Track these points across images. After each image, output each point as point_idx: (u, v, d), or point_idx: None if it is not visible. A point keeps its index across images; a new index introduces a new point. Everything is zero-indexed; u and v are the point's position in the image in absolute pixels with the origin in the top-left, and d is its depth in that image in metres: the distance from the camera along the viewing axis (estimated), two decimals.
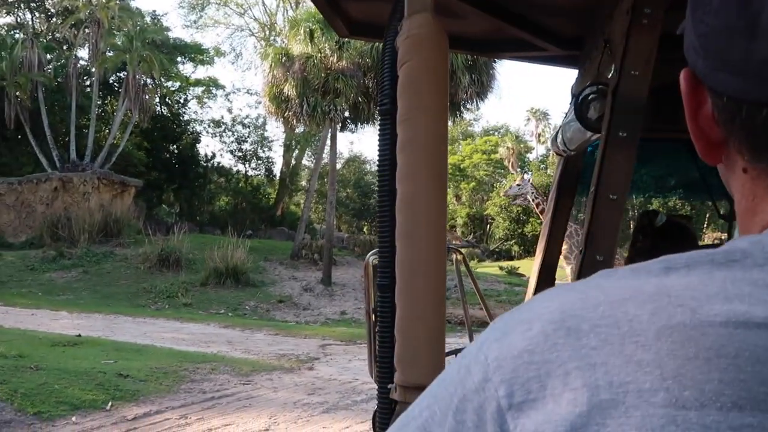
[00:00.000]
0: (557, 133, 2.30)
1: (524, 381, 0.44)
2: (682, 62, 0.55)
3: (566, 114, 2.29)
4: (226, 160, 39.96)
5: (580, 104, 1.59)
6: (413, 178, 1.36)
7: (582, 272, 1.38)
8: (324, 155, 24.50)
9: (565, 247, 14.50)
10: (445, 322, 1.41)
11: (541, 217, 14.16)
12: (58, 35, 30.12)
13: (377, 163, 1.49)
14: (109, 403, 6.86)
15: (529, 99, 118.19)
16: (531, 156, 54.83)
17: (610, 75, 1.59)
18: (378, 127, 1.53)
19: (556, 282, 2.47)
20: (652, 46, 1.41)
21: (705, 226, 26.65)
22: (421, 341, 1.36)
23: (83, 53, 29.32)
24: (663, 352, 0.41)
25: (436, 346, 1.37)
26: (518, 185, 14.69)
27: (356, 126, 24.05)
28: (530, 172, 47.99)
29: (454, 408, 0.47)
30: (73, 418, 6.33)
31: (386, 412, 1.42)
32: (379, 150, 1.49)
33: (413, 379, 1.35)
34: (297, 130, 27.93)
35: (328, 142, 21.91)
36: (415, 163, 1.37)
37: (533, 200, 14.09)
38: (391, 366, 1.41)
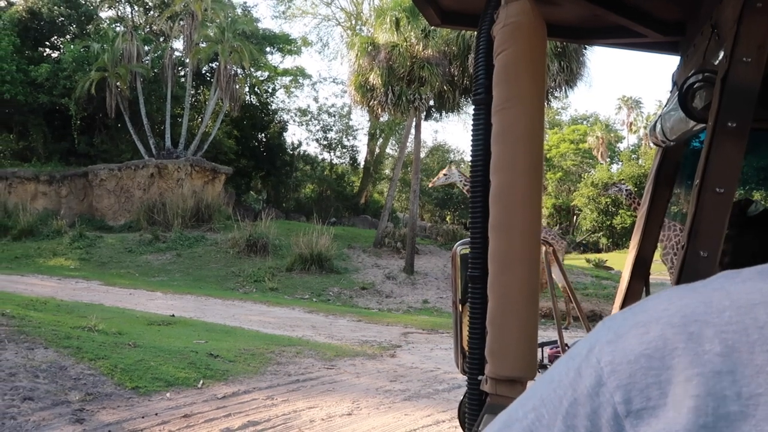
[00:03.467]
0: (656, 122, 2.21)
1: (643, 387, 0.43)
2: None
3: (666, 102, 2.20)
4: (312, 149, 40.85)
5: (684, 93, 1.52)
6: (508, 169, 1.34)
7: (684, 268, 1.33)
8: (408, 144, 24.54)
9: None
10: (538, 315, 1.39)
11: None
12: (155, 28, 31.47)
13: (470, 153, 1.47)
14: (201, 382, 7.15)
15: (620, 87, 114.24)
16: (621, 146, 53.11)
17: (718, 62, 1.51)
18: (472, 117, 1.52)
19: (624, 275, 2.38)
20: (766, 32, 1.33)
21: None
22: (514, 334, 1.34)
23: (178, 45, 30.53)
24: None
25: (529, 339, 1.35)
26: (445, 175, 15.09)
27: (441, 115, 23.97)
28: (621, 162, 46.46)
29: (564, 412, 0.46)
30: (168, 394, 6.64)
31: (476, 403, 1.41)
32: (472, 140, 1.47)
33: (505, 371, 1.33)
34: (381, 119, 28.07)
35: (413, 130, 21.90)
36: (511, 153, 1.35)
37: (463, 187, 14.04)
38: (481, 357, 1.40)
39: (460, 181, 14.33)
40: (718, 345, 0.42)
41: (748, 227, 1.88)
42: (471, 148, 1.48)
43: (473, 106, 1.54)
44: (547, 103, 22.82)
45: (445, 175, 15.01)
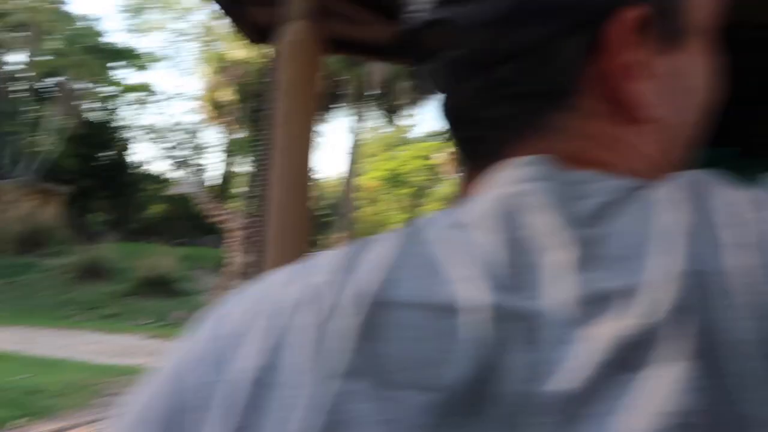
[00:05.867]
0: None
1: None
2: None
3: None
4: (160, 167, 39.28)
5: None
6: (282, 182, 1.35)
7: None
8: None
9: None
10: None
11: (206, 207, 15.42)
12: None
13: (253, 165, 1.47)
14: (21, 420, 6.65)
15: None
16: None
17: None
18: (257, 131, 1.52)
19: None
20: None
21: None
22: None
23: (15, 57, 28.35)
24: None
25: None
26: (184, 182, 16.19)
27: None
28: None
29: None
30: None
31: None
32: (254, 153, 1.48)
33: None
34: (233, 136, 27.69)
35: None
36: (282, 165, 1.36)
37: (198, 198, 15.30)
38: None
39: (199, 192, 14.96)
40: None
41: None
42: (253, 160, 1.48)
43: (261, 122, 1.54)
44: (397, 120, 23.62)
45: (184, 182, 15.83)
